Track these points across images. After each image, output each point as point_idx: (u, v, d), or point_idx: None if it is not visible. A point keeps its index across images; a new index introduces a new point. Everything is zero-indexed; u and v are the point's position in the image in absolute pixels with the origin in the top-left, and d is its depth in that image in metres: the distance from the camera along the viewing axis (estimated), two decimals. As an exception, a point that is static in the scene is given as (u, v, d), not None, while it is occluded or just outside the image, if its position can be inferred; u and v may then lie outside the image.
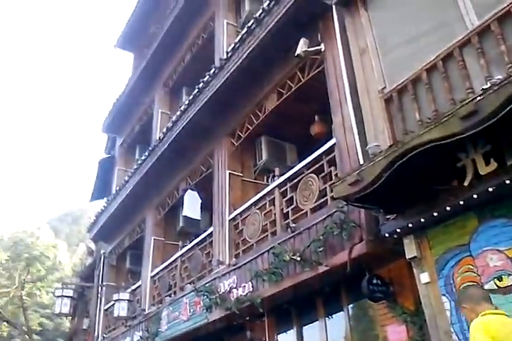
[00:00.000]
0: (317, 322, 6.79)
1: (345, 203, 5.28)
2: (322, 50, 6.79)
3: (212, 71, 8.81)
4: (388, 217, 4.95)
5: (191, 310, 8.71)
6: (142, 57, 14.04)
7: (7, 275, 32.92)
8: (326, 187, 6.47)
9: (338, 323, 6.47)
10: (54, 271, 33.15)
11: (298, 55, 6.64)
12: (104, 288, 13.73)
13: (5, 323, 31.92)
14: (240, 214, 8.24)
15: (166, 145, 10.33)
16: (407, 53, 5.07)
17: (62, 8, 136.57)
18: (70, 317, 23.40)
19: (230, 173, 8.75)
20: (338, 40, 6.38)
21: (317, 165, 6.78)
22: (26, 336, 32.79)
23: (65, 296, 12.73)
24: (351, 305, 6.34)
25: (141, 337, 10.56)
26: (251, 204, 8.02)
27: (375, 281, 5.45)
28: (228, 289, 7.69)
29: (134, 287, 12.01)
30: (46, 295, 32.70)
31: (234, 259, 7.94)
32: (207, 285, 8.27)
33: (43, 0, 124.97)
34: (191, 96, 9.51)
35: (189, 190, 9.98)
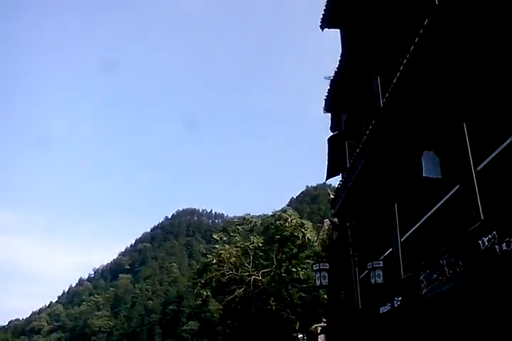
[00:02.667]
0: None
1: None
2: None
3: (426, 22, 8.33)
4: None
5: (450, 272, 8.44)
6: (350, 28, 14.04)
7: (265, 256, 36.60)
8: None
9: None
10: (304, 249, 35.51)
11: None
12: (356, 259, 14.19)
13: (272, 298, 35.56)
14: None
15: (392, 111, 10.14)
16: None
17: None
18: (326, 290, 24.84)
19: (466, 124, 8.23)
20: None
21: None
22: (291, 309, 35.96)
23: (322, 269, 13.59)
24: None
25: (401, 302, 10.64)
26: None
27: None
28: (489, 245, 7.22)
29: (385, 254, 12.15)
30: (301, 271, 35.27)
31: (490, 213, 7.44)
32: (463, 244, 7.91)
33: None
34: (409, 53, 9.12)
35: (425, 151, 9.65)
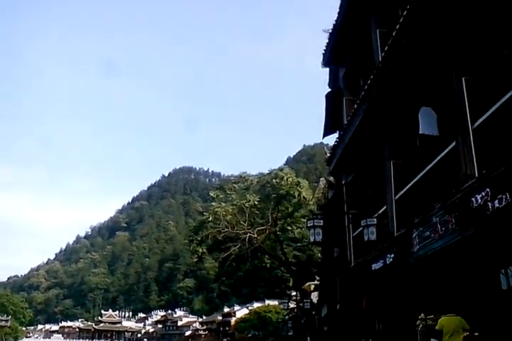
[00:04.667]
0: None
1: None
2: None
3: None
4: None
5: (443, 229, 8.42)
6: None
7: (260, 215, 36.79)
8: None
9: None
10: (299, 208, 35.64)
11: None
12: (350, 216, 14.20)
13: (266, 256, 36.02)
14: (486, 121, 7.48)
15: (391, 64, 9.82)
16: None
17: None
18: (320, 249, 25.13)
19: (465, 79, 7.95)
20: None
21: None
22: (285, 267, 36.54)
23: (317, 226, 13.58)
24: None
25: (393, 259, 10.69)
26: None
27: None
28: (481, 202, 7.13)
29: (379, 212, 12.13)
30: (296, 230, 35.56)
31: (484, 171, 7.31)
32: (456, 201, 7.83)
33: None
34: (409, 5, 8.71)
35: (423, 107, 9.43)
